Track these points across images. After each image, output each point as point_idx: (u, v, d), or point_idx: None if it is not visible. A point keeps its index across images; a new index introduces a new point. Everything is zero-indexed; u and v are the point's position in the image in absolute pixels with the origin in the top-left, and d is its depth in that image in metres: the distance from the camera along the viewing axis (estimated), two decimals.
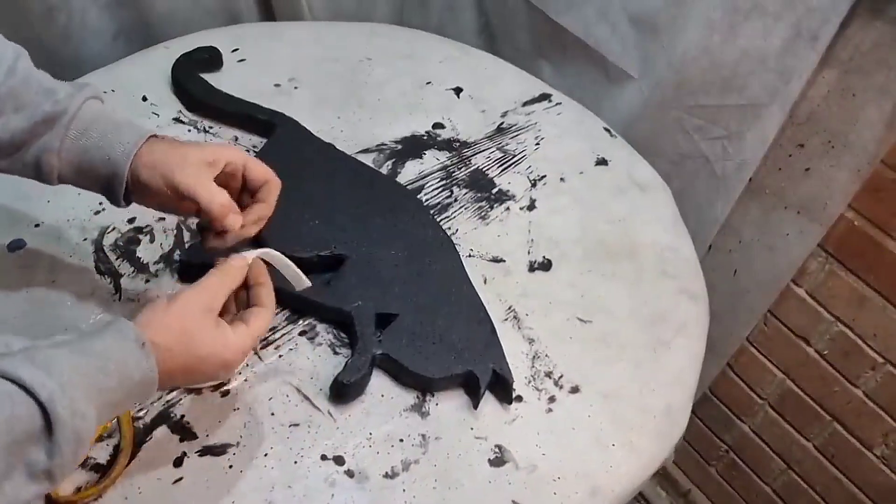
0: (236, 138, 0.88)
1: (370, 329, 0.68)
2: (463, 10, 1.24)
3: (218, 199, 0.57)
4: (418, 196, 0.85)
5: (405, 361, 0.66)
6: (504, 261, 0.81)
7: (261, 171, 0.61)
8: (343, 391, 0.64)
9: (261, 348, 0.68)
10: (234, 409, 0.64)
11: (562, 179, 0.91)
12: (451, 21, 1.25)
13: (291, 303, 0.72)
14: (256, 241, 0.63)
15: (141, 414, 0.62)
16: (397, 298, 0.71)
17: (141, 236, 0.76)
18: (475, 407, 0.66)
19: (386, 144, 0.91)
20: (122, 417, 0.61)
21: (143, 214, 0.77)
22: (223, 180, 0.59)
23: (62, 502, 0.56)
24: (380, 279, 0.72)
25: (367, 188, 0.81)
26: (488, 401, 0.68)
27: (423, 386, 0.67)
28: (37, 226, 0.75)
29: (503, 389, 0.68)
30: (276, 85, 0.96)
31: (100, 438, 0.60)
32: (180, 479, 0.59)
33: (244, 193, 0.62)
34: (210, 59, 0.95)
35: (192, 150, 0.58)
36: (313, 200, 0.78)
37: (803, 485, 1.20)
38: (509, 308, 0.76)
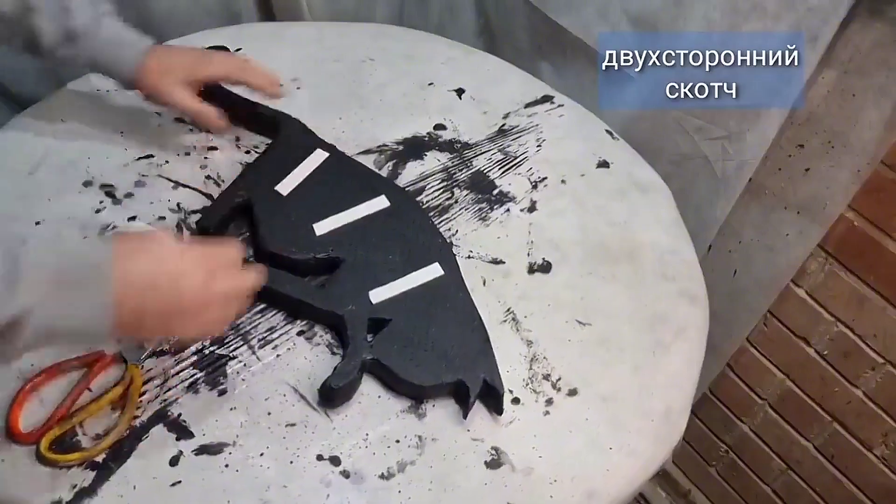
0: (238, 138, 0.88)
1: (362, 334, 0.68)
2: (463, 10, 1.24)
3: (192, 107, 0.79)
4: (419, 198, 0.85)
5: (395, 368, 0.66)
6: (504, 262, 0.80)
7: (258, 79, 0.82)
8: (331, 395, 0.64)
9: (259, 348, 0.69)
10: (231, 409, 0.64)
11: (563, 181, 0.91)
12: (451, 21, 1.25)
13: (287, 305, 0.72)
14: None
15: (137, 413, 0.62)
16: (391, 303, 0.71)
17: None
18: (464, 416, 0.66)
19: (387, 145, 0.91)
20: (132, 370, 0.63)
21: (144, 213, 0.78)
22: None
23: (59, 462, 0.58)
24: (375, 283, 0.72)
25: (368, 191, 0.81)
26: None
27: (413, 393, 0.67)
28: (37, 224, 0.75)
29: (494, 400, 0.67)
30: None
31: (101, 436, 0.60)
32: (176, 477, 0.59)
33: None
34: None
35: (181, 70, 0.78)
36: (313, 202, 0.78)
37: (803, 485, 1.20)
38: (508, 310, 0.76)
